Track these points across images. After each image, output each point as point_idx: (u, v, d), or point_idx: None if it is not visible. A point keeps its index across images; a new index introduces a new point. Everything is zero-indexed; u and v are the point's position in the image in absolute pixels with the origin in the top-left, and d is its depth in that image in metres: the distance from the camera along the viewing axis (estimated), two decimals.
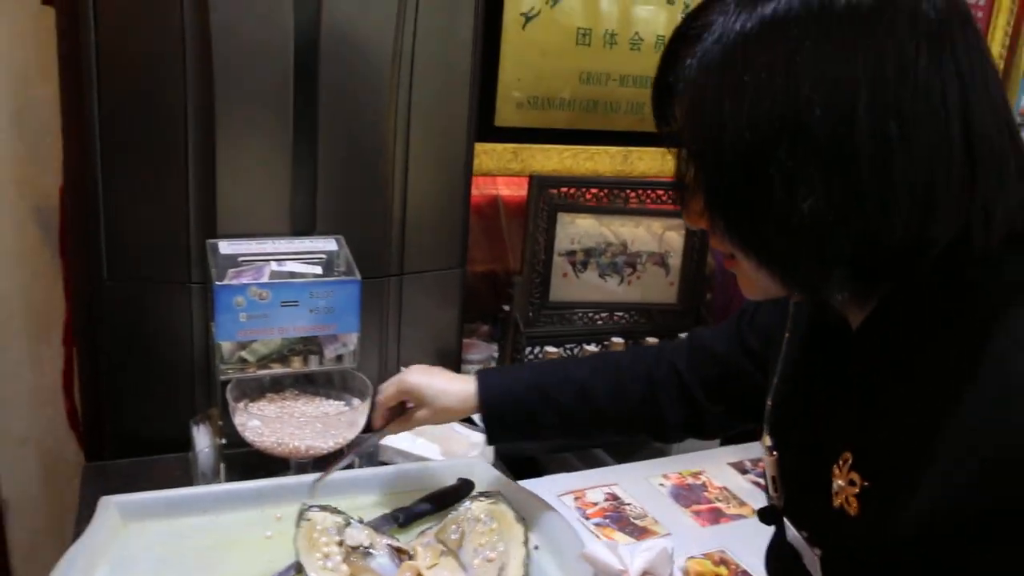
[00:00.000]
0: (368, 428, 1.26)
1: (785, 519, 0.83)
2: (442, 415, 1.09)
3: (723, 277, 2.35)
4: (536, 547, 1.06)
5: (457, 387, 1.09)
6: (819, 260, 0.65)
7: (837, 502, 0.72)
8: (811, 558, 0.77)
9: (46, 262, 1.58)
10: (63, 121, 1.43)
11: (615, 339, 1.73)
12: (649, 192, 1.78)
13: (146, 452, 1.37)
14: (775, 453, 0.83)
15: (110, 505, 1.08)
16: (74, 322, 1.52)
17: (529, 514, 1.08)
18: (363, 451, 1.20)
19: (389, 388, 1.12)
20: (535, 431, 1.09)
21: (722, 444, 1.89)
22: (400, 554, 1.04)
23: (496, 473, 1.24)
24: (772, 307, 0.91)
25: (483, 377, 1.09)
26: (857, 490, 0.70)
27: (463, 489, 1.21)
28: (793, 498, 0.82)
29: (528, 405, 1.06)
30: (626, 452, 1.89)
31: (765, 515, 0.87)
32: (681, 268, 1.84)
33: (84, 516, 1.09)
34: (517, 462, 1.50)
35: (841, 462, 0.72)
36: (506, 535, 1.04)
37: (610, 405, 1.05)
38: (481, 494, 1.11)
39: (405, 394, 1.11)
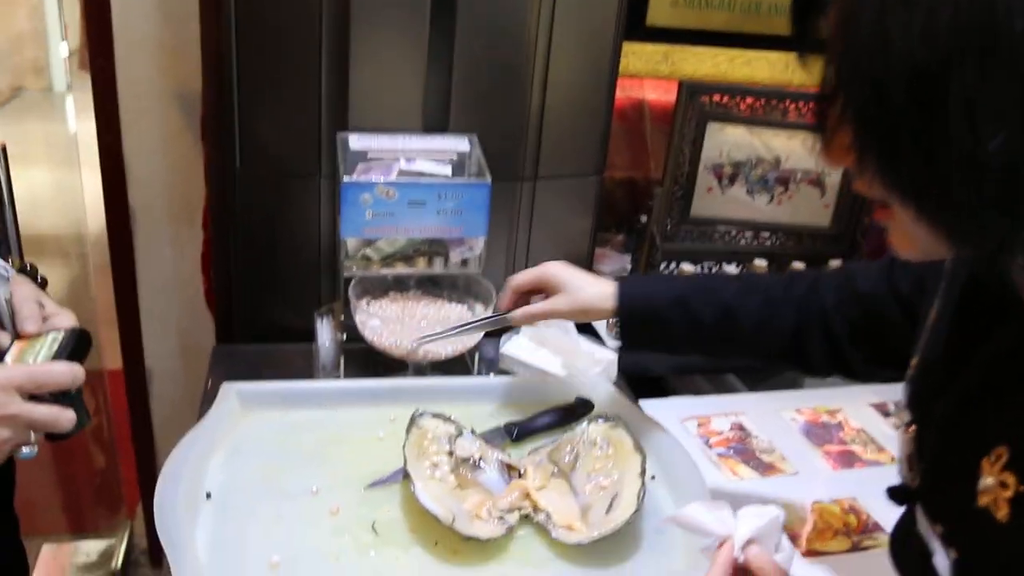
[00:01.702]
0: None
1: (918, 506, 0.73)
2: (579, 308, 1.02)
3: None
4: (653, 477, 1.00)
5: (598, 285, 1.02)
6: (1003, 214, 0.51)
7: (983, 502, 0.61)
8: (944, 561, 0.67)
9: (189, 146, 1.60)
10: (201, 9, 1.41)
11: (757, 261, 1.61)
12: (810, 105, 1.62)
13: (274, 339, 1.39)
14: (913, 427, 0.73)
15: (231, 392, 1.09)
16: (211, 207, 1.55)
17: (649, 442, 1.02)
18: (482, 325, 1.14)
19: (526, 273, 1.06)
20: (671, 343, 1.03)
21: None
22: (510, 471, 1.01)
23: (618, 396, 1.18)
24: None
25: (624, 280, 1.03)
26: (1010, 494, 0.59)
27: (581, 409, 1.16)
28: (930, 484, 0.71)
29: (668, 316, 0.98)
30: (759, 379, 1.80)
31: (896, 494, 0.77)
32: (839, 189, 1.68)
33: (210, 396, 1.10)
34: (641, 381, 1.44)
35: (993, 457, 0.61)
36: (622, 463, 0.98)
37: (754, 331, 0.96)
38: (600, 417, 1.06)
39: (543, 281, 1.04)
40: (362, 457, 1.03)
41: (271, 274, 1.37)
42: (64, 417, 0.76)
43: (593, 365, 1.33)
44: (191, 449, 0.97)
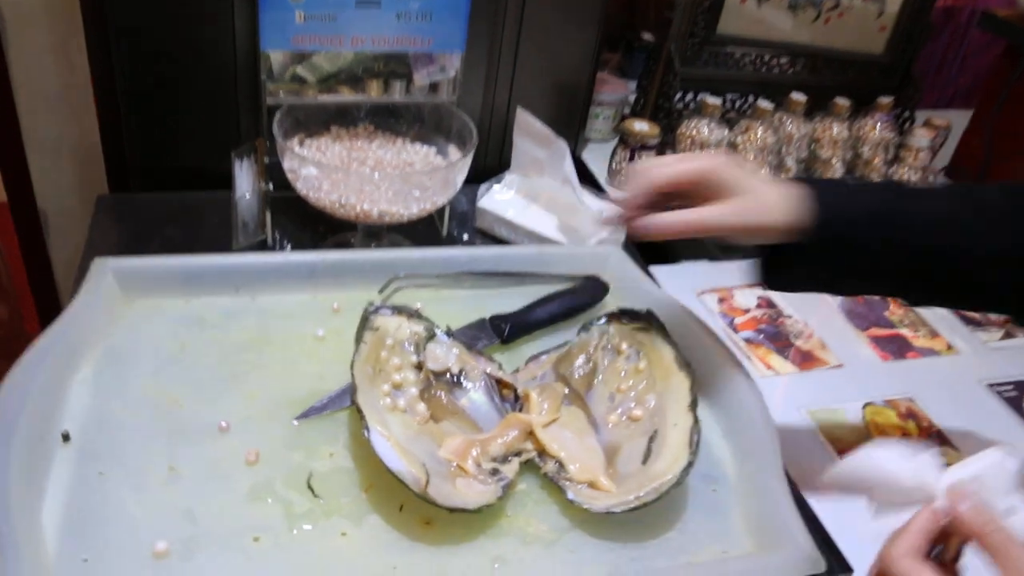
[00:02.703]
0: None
1: None
2: (754, 223, 0.66)
3: (948, 27, 1.81)
4: (692, 403, 0.71)
5: (777, 189, 0.67)
6: None
7: None
8: None
9: None
10: None
11: (795, 95, 1.28)
12: None
13: (181, 187, 1.06)
14: None
15: (107, 271, 0.77)
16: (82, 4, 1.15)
17: (688, 351, 0.73)
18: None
19: (673, 163, 0.68)
20: (867, 278, 0.70)
21: None
22: (502, 390, 0.72)
23: (638, 273, 0.89)
24: None
25: (814, 185, 0.68)
26: None
27: (592, 292, 0.86)
28: None
29: (866, 240, 0.67)
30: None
31: None
32: (900, 9, 1.34)
33: (86, 268, 0.78)
34: (641, 247, 1.14)
35: None
36: (661, 385, 0.70)
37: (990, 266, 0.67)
38: (624, 313, 0.76)
39: (704, 177, 0.67)
40: (292, 370, 0.73)
41: (171, 102, 1.01)
42: None
43: (597, 229, 1.02)
44: (39, 367, 0.66)
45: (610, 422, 0.70)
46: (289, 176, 0.89)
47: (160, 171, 1.06)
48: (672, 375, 0.70)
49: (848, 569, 0.71)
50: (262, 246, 0.95)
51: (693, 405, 0.66)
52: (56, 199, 1.50)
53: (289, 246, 0.97)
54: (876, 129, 1.34)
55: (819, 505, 0.76)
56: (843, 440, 0.91)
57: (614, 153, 1.24)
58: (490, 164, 1.16)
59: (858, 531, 0.79)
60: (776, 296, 1.16)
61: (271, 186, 0.94)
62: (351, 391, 0.64)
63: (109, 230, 0.99)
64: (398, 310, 0.73)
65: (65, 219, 1.53)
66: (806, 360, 1.04)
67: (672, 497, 0.62)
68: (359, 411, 0.62)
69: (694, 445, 0.63)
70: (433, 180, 0.89)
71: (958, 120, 1.49)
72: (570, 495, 0.63)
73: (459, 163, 0.89)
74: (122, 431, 0.65)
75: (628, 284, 0.87)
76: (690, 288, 1.14)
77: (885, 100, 1.35)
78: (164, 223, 0.99)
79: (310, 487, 0.63)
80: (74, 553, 0.56)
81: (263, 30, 0.85)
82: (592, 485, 0.64)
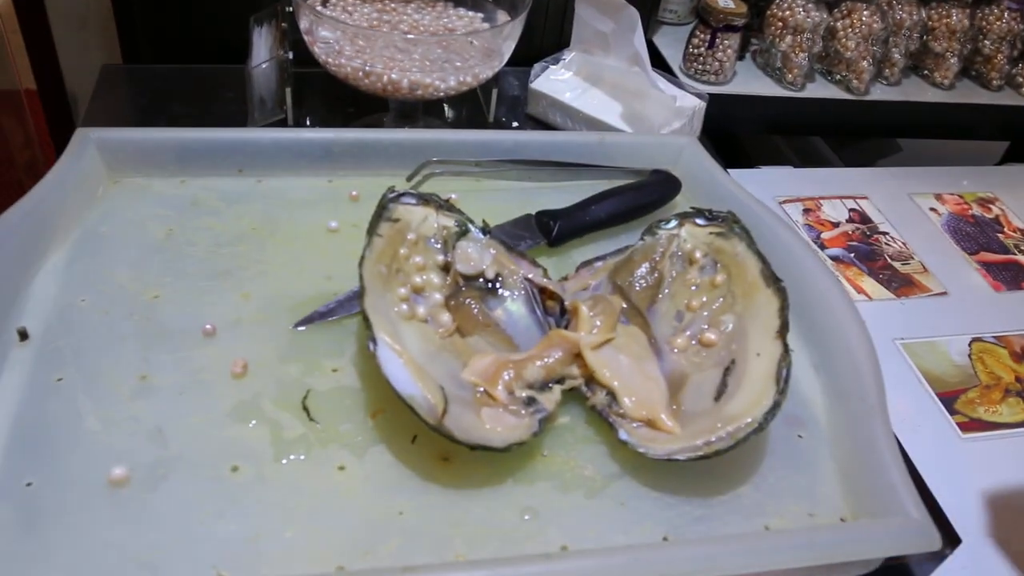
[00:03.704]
0: None
1: None
2: None
3: None
4: (781, 330, 0.57)
5: None
6: None
7: None
8: None
9: None
10: None
11: None
12: None
13: (194, 58, 0.93)
14: None
15: (89, 143, 0.65)
16: None
17: (775, 264, 0.59)
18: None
19: None
20: None
21: (1015, 160, 1.31)
22: (547, 300, 0.60)
23: (717, 170, 0.74)
24: None
25: None
26: None
27: (661, 191, 0.72)
28: None
29: None
30: (867, 153, 1.35)
31: None
32: None
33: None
34: (719, 144, 0.99)
35: None
36: (742, 304, 0.56)
37: None
38: (699, 213, 0.62)
39: None
40: (297, 267, 0.61)
41: None
42: None
43: (672, 117, 0.87)
44: (11, 235, 0.55)
45: (676, 347, 0.57)
46: (306, 40, 0.75)
47: (174, 42, 0.93)
48: (757, 292, 0.56)
49: (957, 541, 0.58)
50: (280, 127, 0.83)
51: (783, 330, 0.53)
52: (86, 82, 1.40)
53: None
54: (1003, 19, 1.15)
55: (916, 458, 0.63)
56: (944, 380, 0.77)
57: (692, 35, 1.07)
58: (547, 42, 1.01)
59: (963, 491, 0.66)
60: (871, 209, 1.00)
61: (291, 55, 0.81)
62: (359, 295, 0.52)
63: (110, 103, 0.87)
64: (425, 199, 0.60)
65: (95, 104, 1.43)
66: (904, 285, 0.89)
67: (750, 444, 0.49)
68: (365, 318, 0.50)
69: (782, 382, 0.50)
70: (475, 48, 0.74)
71: None
72: (622, 435, 0.51)
73: (507, 27, 0.75)
74: (90, 330, 0.55)
75: (704, 182, 0.73)
76: (770, 196, 1.00)
77: None
78: (172, 98, 0.87)
79: (305, 408, 0.52)
80: (17, 474, 0.46)
81: None
82: (650, 424, 0.51)
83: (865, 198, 1.03)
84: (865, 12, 1.08)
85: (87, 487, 0.46)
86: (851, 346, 0.57)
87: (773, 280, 0.56)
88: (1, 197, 1.50)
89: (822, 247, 0.94)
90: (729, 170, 0.94)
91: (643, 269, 0.61)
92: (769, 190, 1.00)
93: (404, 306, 0.55)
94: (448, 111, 0.91)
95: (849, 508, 0.51)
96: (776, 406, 0.49)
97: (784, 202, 1.00)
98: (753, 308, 0.55)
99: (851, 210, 1.01)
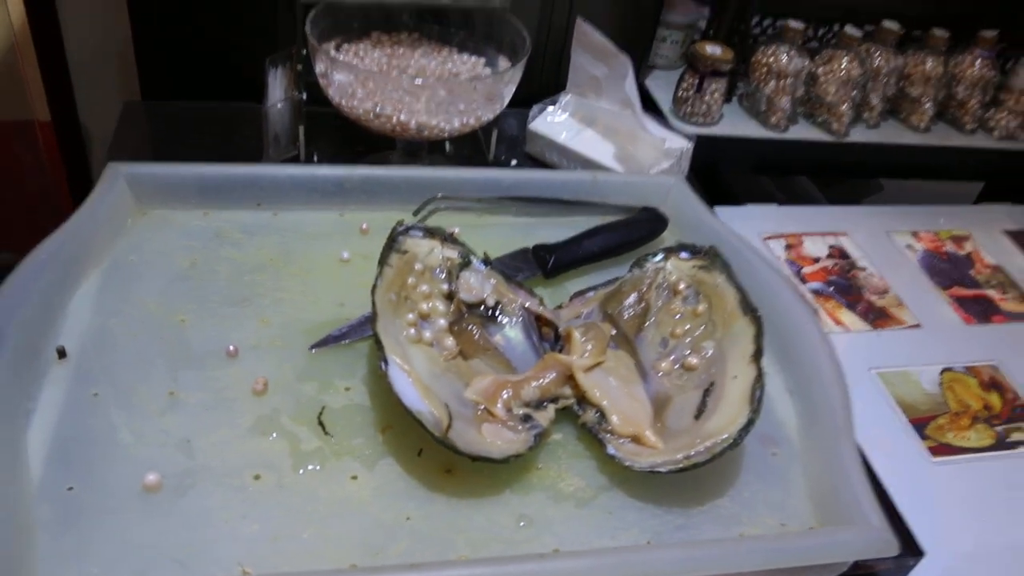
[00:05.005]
0: None
1: None
2: None
3: None
4: (755, 352, 0.62)
5: None
6: None
7: None
8: None
9: None
10: None
11: (886, 23, 1.16)
12: None
13: (212, 96, 0.99)
14: None
15: (118, 178, 0.70)
16: None
17: (753, 295, 0.64)
18: None
19: None
20: None
21: (989, 200, 1.36)
22: (542, 327, 0.65)
23: (702, 208, 0.80)
24: None
25: None
26: None
27: (649, 226, 0.78)
28: None
29: None
30: (839, 184, 1.40)
31: None
32: None
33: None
34: (707, 183, 1.04)
35: None
36: (721, 331, 0.62)
37: None
38: (684, 248, 0.68)
39: None
40: (312, 294, 0.67)
41: (206, 3, 0.94)
42: None
43: (659, 159, 0.93)
44: (38, 276, 0.60)
45: (661, 370, 0.62)
46: (321, 83, 0.81)
47: (193, 80, 0.99)
48: (735, 320, 0.61)
49: (919, 553, 0.63)
50: (294, 163, 0.88)
51: (757, 356, 0.58)
52: (98, 115, 1.45)
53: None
54: (975, 66, 1.21)
55: (887, 478, 0.68)
56: (916, 407, 0.82)
57: (681, 79, 1.13)
58: (544, 85, 1.07)
59: (932, 510, 0.71)
60: (850, 246, 1.06)
61: (305, 95, 0.86)
62: (371, 319, 0.57)
63: (133, 138, 0.93)
64: (431, 232, 0.65)
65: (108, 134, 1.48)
66: (879, 317, 0.94)
67: (726, 459, 0.54)
68: (377, 341, 0.55)
69: (756, 402, 0.55)
70: (477, 92, 0.80)
71: None
72: (610, 450, 0.56)
73: (508, 72, 0.81)
74: (122, 350, 0.60)
75: (690, 219, 0.78)
76: (755, 232, 1.05)
77: (988, 34, 1.21)
78: (191, 133, 0.93)
79: (321, 423, 0.57)
80: (58, 480, 0.51)
81: None
82: (636, 440, 0.56)
83: (845, 235, 1.08)
84: (845, 59, 1.14)
85: (123, 492, 0.51)
86: (822, 373, 0.62)
87: (750, 309, 0.61)
88: (14, 226, 1.55)
89: (803, 281, 0.99)
90: (716, 207, 1.00)
91: (631, 299, 0.66)
92: (754, 226, 1.05)
93: (412, 331, 0.60)
94: (450, 147, 0.97)
95: (817, 519, 0.56)
96: (750, 423, 0.54)
97: (768, 238, 1.05)
98: (731, 335, 0.61)
99: (831, 246, 1.06)
